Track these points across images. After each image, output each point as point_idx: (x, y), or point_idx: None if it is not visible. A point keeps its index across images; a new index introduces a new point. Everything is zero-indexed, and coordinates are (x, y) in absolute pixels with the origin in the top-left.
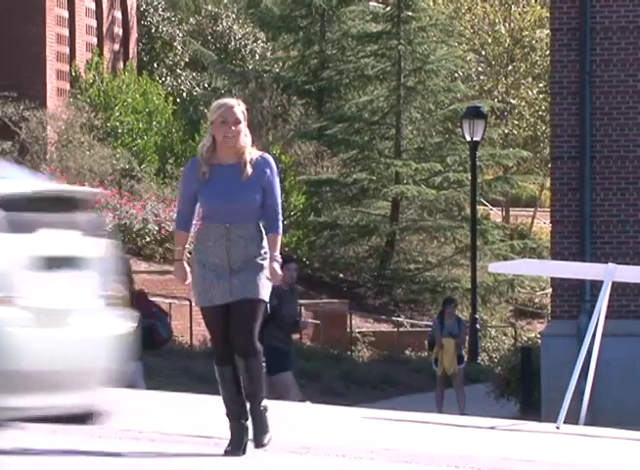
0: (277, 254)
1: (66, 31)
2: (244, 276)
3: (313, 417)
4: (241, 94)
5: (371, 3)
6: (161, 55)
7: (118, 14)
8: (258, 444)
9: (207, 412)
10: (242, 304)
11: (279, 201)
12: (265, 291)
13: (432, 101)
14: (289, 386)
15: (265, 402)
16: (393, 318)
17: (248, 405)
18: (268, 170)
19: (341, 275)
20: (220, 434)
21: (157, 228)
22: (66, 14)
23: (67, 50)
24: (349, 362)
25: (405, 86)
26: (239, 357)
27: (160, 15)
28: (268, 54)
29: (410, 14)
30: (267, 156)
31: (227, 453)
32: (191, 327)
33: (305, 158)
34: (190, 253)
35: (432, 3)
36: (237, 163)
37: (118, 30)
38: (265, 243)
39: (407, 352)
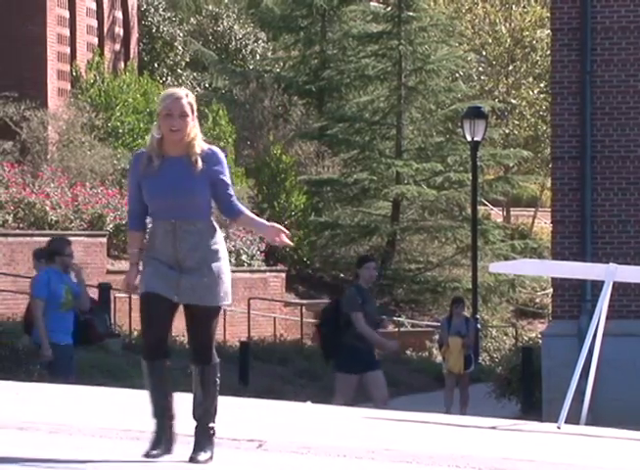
0: (263, 221)
1: (66, 31)
2: (194, 279)
3: (314, 417)
4: (242, 94)
5: (372, 3)
6: (162, 55)
7: (119, 14)
8: (194, 459)
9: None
10: (193, 309)
11: (232, 192)
12: (222, 295)
13: (432, 101)
14: (378, 384)
15: (214, 425)
16: (394, 318)
17: (194, 424)
18: (218, 165)
19: (341, 275)
20: (220, 433)
21: None
22: (66, 14)
23: (67, 50)
24: None
25: (406, 86)
26: (194, 366)
27: (160, 15)
28: (269, 54)
29: (411, 14)
30: (216, 149)
31: (150, 456)
32: None
33: (306, 158)
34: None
35: (432, 3)
36: (183, 156)
37: (119, 30)
38: (218, 241)
39: (408, 352)
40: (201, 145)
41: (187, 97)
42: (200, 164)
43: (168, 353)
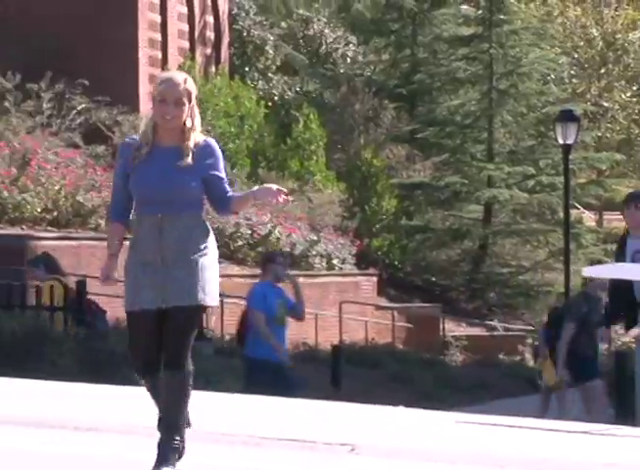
0: (251, 191)
1: (158, 36)
2: (179, 277)
3: (406, 421)
4: (333, 98)
5: (462, 6)
6: (253, 59)
7: (210, 18)
8: None
9: (302, 415)
10: (177, 310)
11: (228, 187)
12: (208, 294)
13: (524, 104)
14: (598, 395)
15: (179, 438)
16: (486, 322)
17: (158, 435)
18: (211, 158)
19: (433, 279)
20: (314, 437)
21: (249, 232)
22: (158, 18)
23: (159, 54)
24: (442, 366)
25: (497, 89)
26: (165, 372)
27: (251, 19)
28: (360, 57)
29: (502, 17)
30: (211, 141)
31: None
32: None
33: (397, 161)
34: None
35: (523, 6)
36: (177, 146)
37: (210, 35)
38: (207, 239)
39: (500, 356)
40: (196, 136)
41: (185, 83)
42: (191, 156)
43: (160, 369)
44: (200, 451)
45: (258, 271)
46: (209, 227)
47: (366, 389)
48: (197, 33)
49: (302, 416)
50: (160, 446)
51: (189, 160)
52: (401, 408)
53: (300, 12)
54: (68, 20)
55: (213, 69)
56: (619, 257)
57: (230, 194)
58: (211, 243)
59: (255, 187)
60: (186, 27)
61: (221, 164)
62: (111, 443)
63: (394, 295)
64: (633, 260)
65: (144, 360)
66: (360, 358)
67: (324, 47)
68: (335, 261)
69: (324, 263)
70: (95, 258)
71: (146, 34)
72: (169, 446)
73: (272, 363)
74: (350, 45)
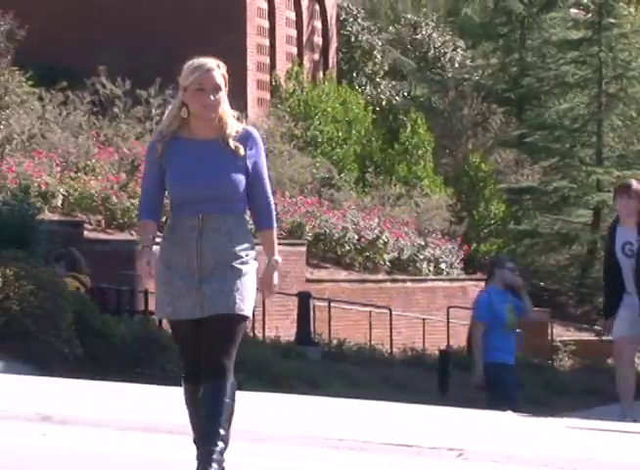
0: (276, 257)
1: (266, 41)
2: (217, 284)
3: (515, 426)
4: (441, 102)
5: (572, 10)
6: (361, 64)
7: (318, 24)
8: None
9: (408, 420)
10: (216, 321)
11: (269, 187)
12: (247, 303)
13: (633, 107)
14: None
15: (221, 456)
16: (595, 327)
17: (196, 454)
18: (254, 148)
19: (541, 284)
20: (420, 442)
21: (356, 237)
22: (266, 24)
23: (267, 60)
24: (551, 371)
25: (606, 93)
26: (205, 383)
27: (359, 24)
28: (468, 62)
29: (611, 20)
30: (253, 129)
31: None
32: (391, 335)
33: (505, 166)
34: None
35: (633, 10)
36: (215, 138)
37: (318, 40)
38: (249, 242)
39: (609, 360)
40: (234, 125)
41: (219, 68)
42: (235, 147)
43: (202, 379)
44: (306, 456)
45: (365, 276)
46: (249, 228)
47: (473, 394)
48: (305, 39)
49: (409, 421)
50: (199, 462)
51: (232, 150)
52: (509, 413)
53: (409, 16)
54: (178, 26)
55: (321, 74)
56: (611, 245)
57: (272, 211)
58: (252, 247)
59: (275, 275)
60: (294, 33)
61: (263, 157)
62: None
63: None
64: (623, 251)
65: (193, 366)
66: (467, 363)
67: (432, 51)
68: (442, 266)
69: (431, 268)
70: None
71: (254, 40)
72: (208, 460)
73: (508, 366)
74: (459, 49)
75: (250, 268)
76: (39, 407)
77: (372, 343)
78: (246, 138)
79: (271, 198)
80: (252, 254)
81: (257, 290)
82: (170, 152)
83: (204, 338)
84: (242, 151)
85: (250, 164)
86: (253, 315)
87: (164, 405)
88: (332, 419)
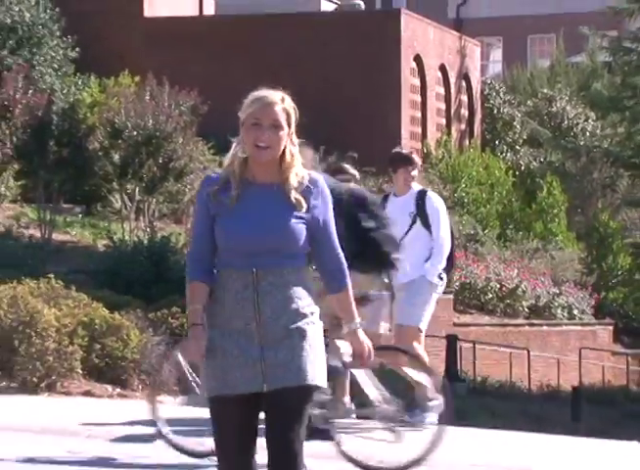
0: (357, 320)
1: (418, 113)
2: (283, 351)
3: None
4: (573, 167)
5: None
6: (502, 133)
7: (464, 97)
8: None
9: (543, 449)
10: (284, 394)
11: (336, 239)
12: (319, 371)
13: None
14: None
15: None
16: None
17: None
18: (320, 198)
19: None
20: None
21: (498, 286)
22: (418, 98)
23: (419, 130)
24: None
25: None
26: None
27: (501, 98)
28: (598, 131)
29: None
30: (318, 177)
31: None
32: (529, 373)
33: (632, 223)
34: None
35: None
36: (275, 183)
37: (464, 112)
38: (311, 299)
39: None
40: (299, 170)
41: (283, 102)
42: (298, 195)
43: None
44: None
45: (505, 320)
46: (311, 284)
47: (603, 425)
48: (452, 111)
49: (543, 450)
50: None
51: (294, 197)
52: (636, 443)
53: (545, 91)
54: (341, 101)
55: (467, 142)
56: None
57: (344, 269)
58: (314, 304)
59: (363, 338)
60: (443, 106)
61: (330, 209)
62: None
63: (628, 342)
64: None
65: (237, 464)
66: (598, 398)
67: (566, 122)
68: (575, 312)
69: (565, 314)
70: None
71: (408, 112)
72: None
73: None
74: (589, 120)
75: (317, 328)
76: None
77: (512, 380)
78: (311, 186)
79: (341, 254)
80: (317, 311)
81: (353, 362)
82: (222, 196)
83: (267, 419)
84: (304, 205)
85: (314, 216)
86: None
87: None
88: (477, 447)
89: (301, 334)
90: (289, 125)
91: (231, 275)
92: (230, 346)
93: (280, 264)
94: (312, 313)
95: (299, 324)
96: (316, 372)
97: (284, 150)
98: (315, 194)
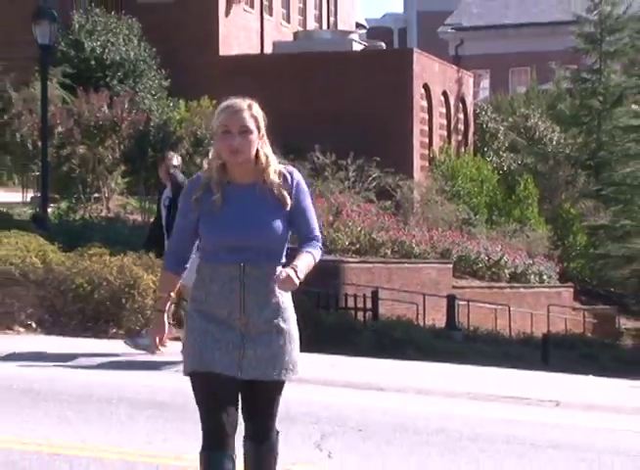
0: (302, 268)
1: (426, 127)
2: (261, 347)
3: (594, 386)
4: (543, 168)
5: (633, 106)
6: (489, 142)
7: (461, 115)
8: None
9: (521, 381)
10: (257, 385)
11: (316, 225)
12: (292, 365)
13: None
14: None
15: None
16: None
17: None
18: (296, 189)
19: (612, 289)
20: (529, 395)
21: (486, 258)
22: (426, 116)
23: (426, 140)
24: (617, 349)
25: None
26: (249, 443)
27: (488, 116)
28: (562, 141)
29: None
30: (293, 169)
31: None
32: (510, 325)
33: (587, 210)
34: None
35: None
36: (254, 182)
37: (461, 127)
38: (289, 294)
39: None
40: (275, 167)
41: (250, 108)
42: (277, 191)
43: (231, 445)
44: (445, 405)
45: (492, 283)
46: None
47: (565, 364)
48: (452, 126)
49: (522, 381)
50: None
51: (273, 194)
52: (591, 377)
53: (522, 110)
54: (368, 118)
55: (463, 149)
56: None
57: (313, 246)
58: (290, 298)
59: (292, 274)
60: (444, 122)
61: (307, 196)
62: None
63: (585, 300)
64: (164, 205)
65: (214, 432)
66: (562, 343)
67: (537, 134)
68: (544, 277)
69: (537, 279)
70: (383, 277)
71: (418, 127)
72: None
73: None
74: (555, 132)
75: (292, 325)
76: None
77: (497, 329)
78: (289, 180)
79: (320, 237)
80: (292, 305)
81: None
82: (205, 198)
83: (244, 400)
84: (289, 201)
85: (293, 207)
86: (417, 309)
87: (358, 370)
88: (471, 380)
89: (280, 331)
90: (258, 129)
91: (217, 268)
92: (212, 329)
93: (262, 259)
94: (288, 308)
95: (279, 320)
96: (289, 367)
97: (257, 152)
98: (293, 185)
